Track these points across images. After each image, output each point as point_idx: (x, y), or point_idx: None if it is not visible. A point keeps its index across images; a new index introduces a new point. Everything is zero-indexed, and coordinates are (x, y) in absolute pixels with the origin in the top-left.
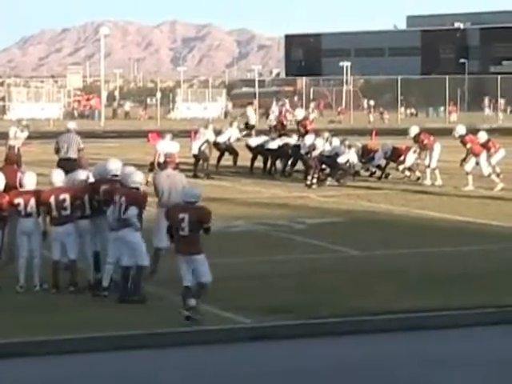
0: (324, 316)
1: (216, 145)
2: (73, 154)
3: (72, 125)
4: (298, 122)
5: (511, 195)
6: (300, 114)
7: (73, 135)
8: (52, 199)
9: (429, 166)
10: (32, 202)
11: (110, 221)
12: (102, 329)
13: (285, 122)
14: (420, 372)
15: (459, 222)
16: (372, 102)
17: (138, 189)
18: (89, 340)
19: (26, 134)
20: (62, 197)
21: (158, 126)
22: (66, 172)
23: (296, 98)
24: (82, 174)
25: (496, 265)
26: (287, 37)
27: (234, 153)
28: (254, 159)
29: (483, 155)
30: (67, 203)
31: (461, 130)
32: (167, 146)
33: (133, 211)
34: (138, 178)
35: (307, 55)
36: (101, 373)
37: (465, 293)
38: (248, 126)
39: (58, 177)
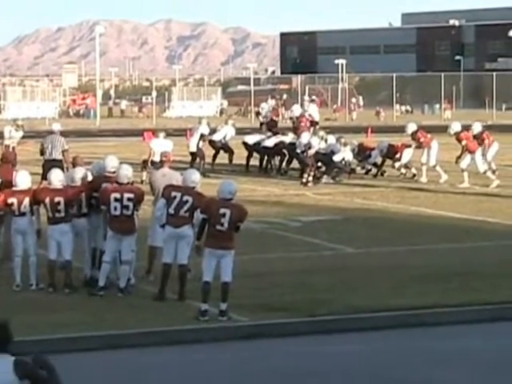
0: (321, 314)
1: (211, 143)
2: (57, 155)
3: (56, 126)
4: (296, 118)
5: (507, 192)
6: (297, 110)
7: (57, 136)
8: (47, 200)
9: (424, 164)
10: (26, 201)
11: (159, 215)
12: (98, 328)
13: (275, 118)
14: (418, 369)
15: (455, 219)
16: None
17: (194, 187)
18: (84, 339)
19: (20, 133)
20: (56, 199)
21: (154, 124)
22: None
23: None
24: (79, 172)
25: (492, 262)
26: (282, 35)
27: (230, 151)
28: (249, 157)
29: (478, 152)
30: (61, 206)
31: (456, 126)
32: (160, 145)
33: (197, 214)
34: (195, 178)
35: (302, 53)
36: (97, 371)
37: (461, 290)
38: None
39: (56, 177)
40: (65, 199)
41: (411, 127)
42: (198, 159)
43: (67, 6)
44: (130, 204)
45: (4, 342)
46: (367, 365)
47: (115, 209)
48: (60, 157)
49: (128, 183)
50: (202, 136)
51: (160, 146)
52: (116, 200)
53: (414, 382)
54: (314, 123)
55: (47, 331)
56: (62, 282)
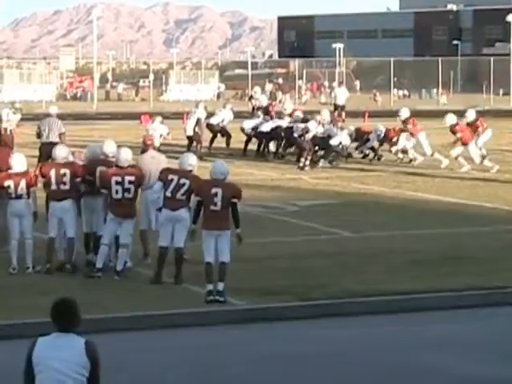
0: (316, 298)
1: (209, 126)
2: (54, 138)
3: (53, 109)
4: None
5: (505, 177)
6: (289, 107)
7: (54, 119)
8: (52, 172)
9: (412, 148)
10: (22, 183)
11: (155, 198)
12: (93, 311)
13: (273, 103)
14: (412, 354)
15: (452, 203)
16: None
17: (191, 171)
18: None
19: (18, 116)
20: (62, 171)
21: (151, 107)
22: (49, 156)
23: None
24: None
25: (488, 247)
26: (280, 18)
27: (227, 135)
28: (248, 142)
29: (472, 144)
30: (67, 178)
31: (450, 119)
32: (156, 129)
33: (193, 197)
34: (193, 161)
35: (300, 37)
36: None
37: (456, 274)
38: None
39: (61, 153)
40: (70, 171)
41: (404, 113)
42: (194, 143)
43: None
44: (132, 187)
45: (72, 321)
46: (362, 349)
47: (116, 192)
48: (57, 140)
49: (128, 166)
50: (198, 120)
51: (156, 130)
52: (117, 183)
53: (409, 367)
54: (337, 107)
55: (43, 314)
56: (57, 263)
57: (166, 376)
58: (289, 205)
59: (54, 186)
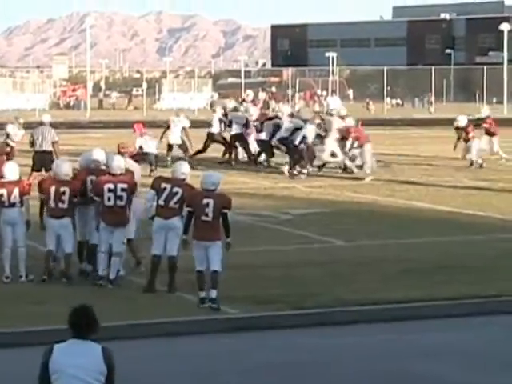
0: (309, 307)
1: (210, 135)
2: (47, 147)
3: (46, 118)
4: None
5: (498, 186)
6: (286, 110)
7: (47, 128)
8: (52, 189)
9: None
10: (15, 191)
11: (148, 207)
12: None
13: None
14: (405, 362)
15: (445, 212)
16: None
17: (184, 179)
18: None
19: (22, 131)
20: (62, 189)
21: (144, 116)
22: (42, 165)
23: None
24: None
25: (481, 255)
26: (273, 27)
27: (227, 144)
28: (233, 149)
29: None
30: (66, 196)
31: (463, 120)
32: (145, 144)
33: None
34: (185, 170)
35: (293, 46)
36: None
37: (450, 283)
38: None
39: (63, 170)
40: (70, 190)
41: (462, 120)
42: (183, 152)
43: None
44: (124, 194)
45: (90, 327)
46: (355, 358)
47: (109, 199)
48: (50, 148)
49: (121, 174)
50: (184, 129)
51: (145, 145)
52: (110, 191)
53: (402, 376)
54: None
55: (36, 322)
56: (56, 274)
57: None
58: (282, 213)
59: (52, 204)
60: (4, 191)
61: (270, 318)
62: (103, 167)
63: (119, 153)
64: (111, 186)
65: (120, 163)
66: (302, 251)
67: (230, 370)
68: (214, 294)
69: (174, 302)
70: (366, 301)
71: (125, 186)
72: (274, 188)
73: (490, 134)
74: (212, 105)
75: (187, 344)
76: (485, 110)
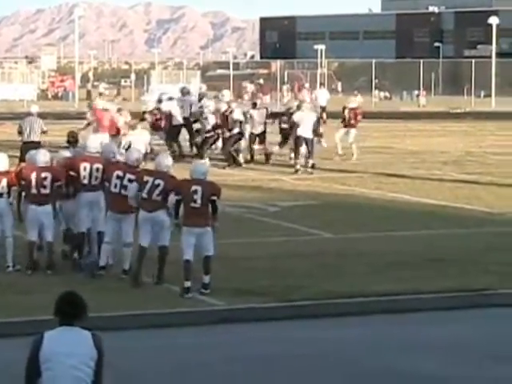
0: (296, 299)
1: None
2: (35, 137)
3: (35, 108)
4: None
5: (485, 179)
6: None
7: (35, 118)
8: (33, 176)
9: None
10: (3, 182)
11: (133, 197)
12: None
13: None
14: (392, 355)
15: (432, 205)
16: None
17: (167, 172)
18: None
19: None
20: (43, 175)
21: (132, 106)
22: None
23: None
24: (66, 152)
25: (468, 248)
26: (262, 19)
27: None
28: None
29: None
30: (48, 182)
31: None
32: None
33: (171, 196)
34: (168, 162)
35: (282, 38)
36: None
37: (437, 276)
38: None
39: (42, 157)
40: (52, 175)
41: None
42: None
43: None
44: (129, 185)
45: (80, 314)
46: (343, 350)
47: (115, 186)
48: (38, 139)
49: (136, 166)
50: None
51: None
52: (118, 177)
53: (389, 369)
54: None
55: (23, 313)
56: (42, 264)
57: (146, 375)
58: (270, 205)
59: (34, 190)
60: None
61: (257, 310)
62: (96, 154)
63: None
64: (120, 173)
65: (138, 155)
66: (290, 243)
67: (217, 361)
68: (206, 279)
69: (162, 293)
70: (353, 293)
71: (133, 177)
72: (262, 180)
73: (349, 125)
74: (200, 96)
75: (175, 336)
76: (353, 101)
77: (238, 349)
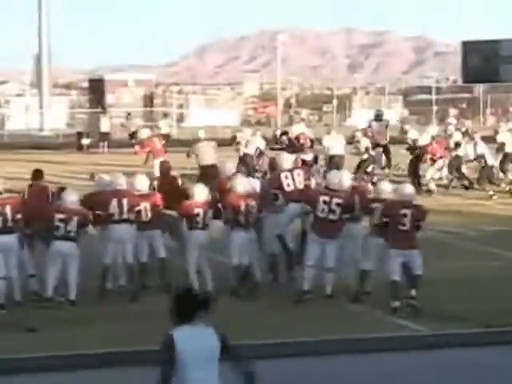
0: (502, 324)
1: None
2: (212, 161)
3: (201, 133)
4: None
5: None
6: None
7: (208, 143)
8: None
9: None
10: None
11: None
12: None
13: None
14: None
15: None
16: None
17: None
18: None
19: None
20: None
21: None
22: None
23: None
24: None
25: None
26: (464, 43)
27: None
28: None
29: None
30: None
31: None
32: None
33: None
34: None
35: (485, 62)
36: None
37: None
38: None
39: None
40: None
41: None
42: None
43: (248, 14)
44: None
45: (199, 310)
46: None
47: (322, 211)
48: (215, 162)
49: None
50: (257, 149)
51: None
52: (324, 203)
53: None
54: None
55: None
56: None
57: None
58: (470, 230)
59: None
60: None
61: (460, 335)
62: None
63: None
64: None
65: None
66: (489, 267)
67: None
68: (413, 292)
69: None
70: None
71: (340, 201)
72: (463, 205)
73: None
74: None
75: (381, 361)
76: None
77: (440, 375)
